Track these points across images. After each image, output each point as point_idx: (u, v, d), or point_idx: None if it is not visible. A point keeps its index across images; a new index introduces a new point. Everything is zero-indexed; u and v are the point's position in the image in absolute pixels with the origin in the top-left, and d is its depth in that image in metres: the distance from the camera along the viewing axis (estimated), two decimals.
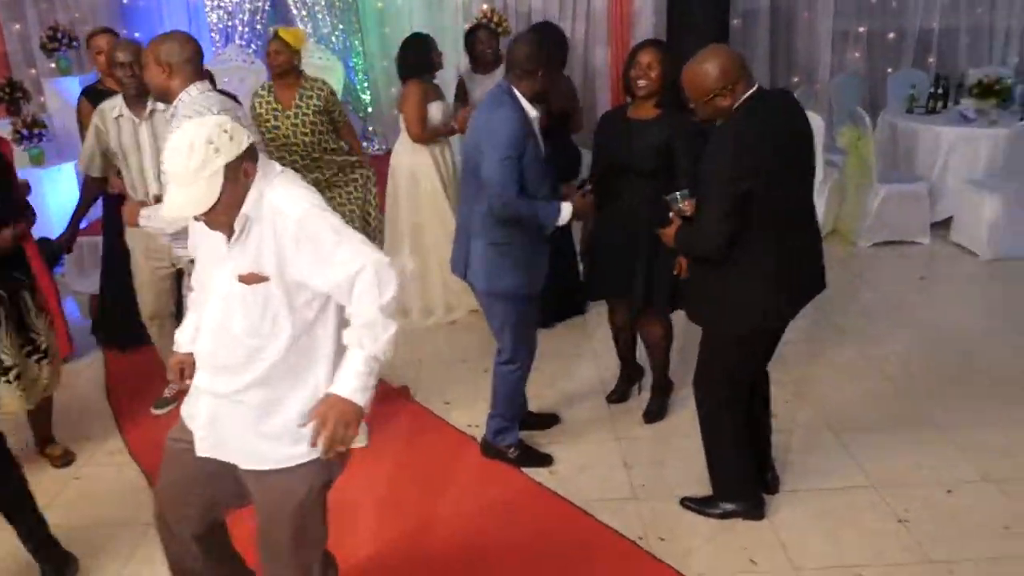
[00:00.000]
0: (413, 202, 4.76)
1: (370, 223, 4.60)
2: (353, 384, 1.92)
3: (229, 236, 1.94)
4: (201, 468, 2.12)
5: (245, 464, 2.08)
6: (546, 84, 3.12)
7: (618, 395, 3.98)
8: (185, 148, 1.80)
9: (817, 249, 2.88)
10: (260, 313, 1.96)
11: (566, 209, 3.10)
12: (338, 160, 4.42)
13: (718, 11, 6.84)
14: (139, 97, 3.53)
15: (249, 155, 1.89)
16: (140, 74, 3.39)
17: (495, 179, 2.96)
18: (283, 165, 2.10)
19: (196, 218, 1.89)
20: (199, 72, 3.19)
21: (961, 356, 4.25)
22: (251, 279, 1.94)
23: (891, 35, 7.94)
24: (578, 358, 4.41)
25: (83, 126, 4.27)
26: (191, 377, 2.15)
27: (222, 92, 3.59)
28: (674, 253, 3.19)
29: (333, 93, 4.42)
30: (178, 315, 3.76)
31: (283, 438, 2.04)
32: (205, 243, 2.04)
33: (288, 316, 1.97)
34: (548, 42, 3.22)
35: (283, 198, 1.93)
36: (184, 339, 2.21)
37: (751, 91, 2.60)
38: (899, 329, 4.59)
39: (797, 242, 2.76)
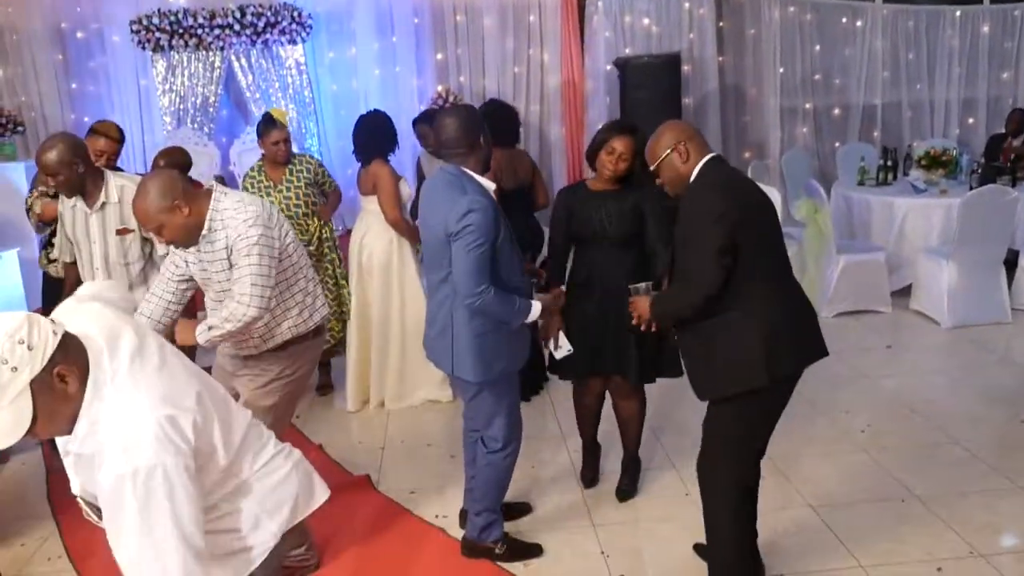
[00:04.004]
0: (385, 290, 4.60)
1: (344, 301, 4.77)
2: None
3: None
4: None
5: None
6: (489, 151, 2.99)
7: (590, 478, 3.82)
8: None
9: (811, 308, 2.77)
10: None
11: (536, 308, 2.95)
12: (325, 236, 4.67)
13: (670, 89, 7.00)
14: (92, 188, 3.55)
15: (61, 356, 1.57)
16: (72, 175, 3.44)
17: (470, 273, 2.76)
18: None
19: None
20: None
21: (933, 426, 4.20)
22: (91, 507, 1.77)
23: (836, 111, 8.21)
24: (546, 440, 4.26)
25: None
26: None
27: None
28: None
29: (321, 165, 4.73)
30: None
31: None
32: None
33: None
34: (474, 111, 3.07)
35: (124, 435, 1.62)
36: None
37: (710, 155, 2.65)
38: (869, 400, 4.54)
39: (792, 295, 2.70)
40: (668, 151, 2.64)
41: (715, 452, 2.76)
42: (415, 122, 5.28)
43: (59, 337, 1.58)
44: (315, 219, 4.61)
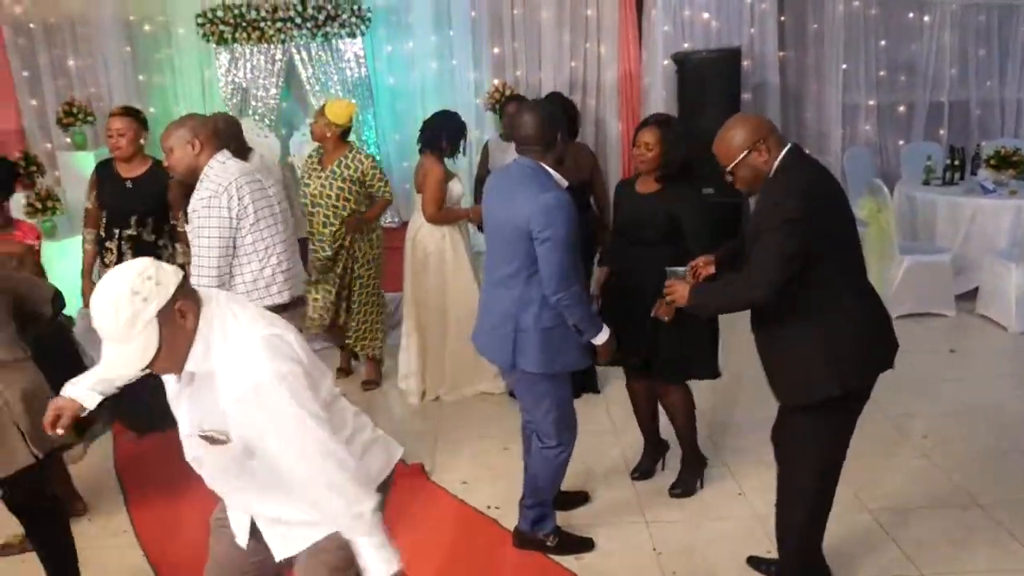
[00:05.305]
0: (440, 283, 4.64)
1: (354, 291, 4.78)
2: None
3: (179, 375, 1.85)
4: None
5: (291, 552, 2.07)
6: (564, 149, 3.05)
7: (641, 471, 3.83)
8: (110, 304, 1.66)
9: (884, 312, 2.72)
10: (226, 465, 1.91)
11: (606, 332, 3.00)
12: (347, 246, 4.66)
13: (729, 85, 6.90)
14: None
15: (182, 294, 1.74)
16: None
17: (561, 270, 2.81)
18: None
19: (140, 371, 1.75)
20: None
21: (998, 433, 4.09)
22: (211, 440, 1.85)
23: (901, 108, 8.00)
24: (599, 434, 4.25)
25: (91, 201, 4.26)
26: (65, 427, 2.18)
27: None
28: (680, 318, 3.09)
29: (375, 167, 4.68)
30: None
31: (310, 519, 1.99)
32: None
33: (256, 463, 1.89)
34: (555, 107, 3.15)
35: (237, 359, 1.77)
36: (77, 385, 2.18)
37: (787, 148, 2.55)
38: (932, 404, 4.44)
39: (865, 302, 2.64)
40: (744, 154, 2.51)
41: (797, 462, 2.69)
42: (506, 101, 5.33)
43: (179, 278, 1.75)
44: (345, 210, 4.57)
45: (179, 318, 1.72)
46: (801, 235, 2.39)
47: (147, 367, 1.72)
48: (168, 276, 1.72)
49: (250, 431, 1.80)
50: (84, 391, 2.16)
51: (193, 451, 1.95)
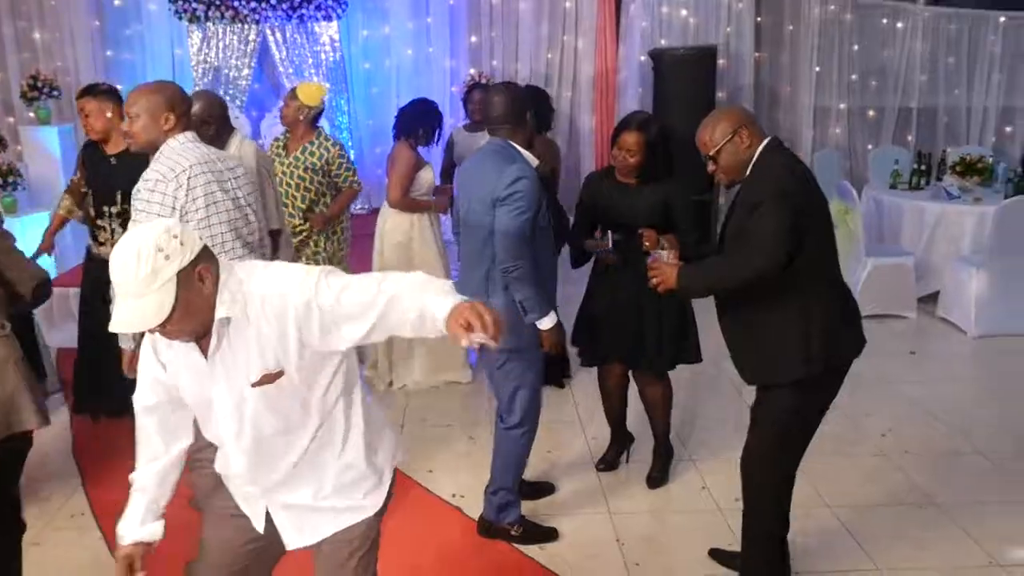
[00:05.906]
0: (408, 271, 4.62)
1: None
2: (450, 300, 1.88)
3: (203, 349, 1.80)
4: (248, 529, 2.05)
5: (306, 543, 2.04)
6: (533, 130, 3.09)
7: (606, 463, 3.85)
8: (132, 257, 1.63)
9: (855, 303, 2.79)
10: (288, 405, 1.87)
11: (552, 317, 2.96)
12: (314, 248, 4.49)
13: (704, 83, 6.93)
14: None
15: (204, 258, 1.74)
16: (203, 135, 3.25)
17: (511, 240, 2.84)
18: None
19: (149, 331, 1.72)
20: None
21: (956, 434, 4.17)
22: (266, 380, 1.82)
23: (871, 112, 8.11)
24: (565, 425, 4.27)
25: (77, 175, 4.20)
26: (143, 569, 1.99)
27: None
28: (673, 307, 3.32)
29: (342, 156, 4.47)
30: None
31: (336, 505, 2.00)
32: (178, 363, 1.88)
33: (315, 394, 1.89)
34: (523, 92, 3.19)
35: (266, 282, 1.80)
36: (130, 528, 1.99)
37: (768, 139, 2.61)
38: (891, 404, 4.51)
39: (841, 290, 2.71)
40: (728, 137, 2.56)
41: (766, 444, 2.74)
42: (471, 88, 5.31)
43: (202, 243, 1.76)
44: (306, 200, 4.38)
45: (197, 281, 1.71)
46: (796, 207, 2.46)
47: (159, 327, 1.69)
48: (192, 238, 1.73)
49: (311, 315, 1.77)
50: (139, 529, 1.99)
51: (236, 423, 1.87)
